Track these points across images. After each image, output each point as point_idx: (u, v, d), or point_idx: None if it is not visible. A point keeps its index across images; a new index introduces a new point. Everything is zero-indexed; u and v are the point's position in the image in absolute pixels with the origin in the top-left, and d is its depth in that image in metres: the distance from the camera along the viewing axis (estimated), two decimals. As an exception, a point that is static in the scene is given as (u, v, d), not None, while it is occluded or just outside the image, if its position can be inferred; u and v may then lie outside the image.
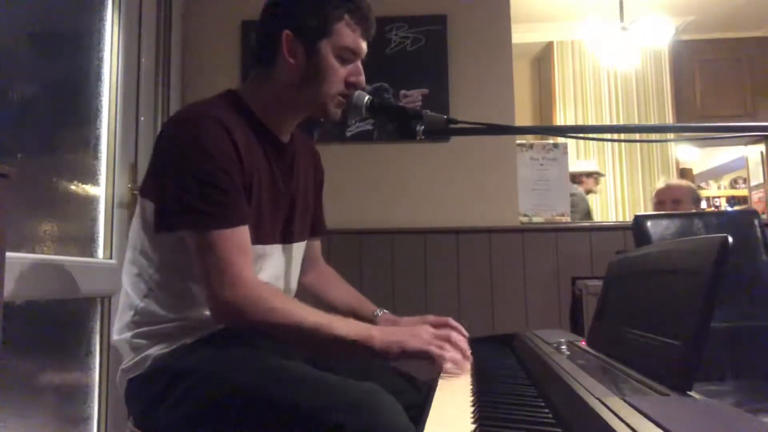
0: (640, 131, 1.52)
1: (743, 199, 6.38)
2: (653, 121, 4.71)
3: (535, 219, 2.55)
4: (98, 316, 1.76)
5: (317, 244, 1.37)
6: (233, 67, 2.43)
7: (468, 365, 0.99)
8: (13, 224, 1.38)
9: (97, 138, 1.83)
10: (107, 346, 1.75)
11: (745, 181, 5.70)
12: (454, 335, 1.01)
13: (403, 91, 2.41)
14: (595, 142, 4.71)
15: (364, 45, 1.12)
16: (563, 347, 1.00)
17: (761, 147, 5.04)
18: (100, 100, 1.84)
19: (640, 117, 4.70)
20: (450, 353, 0.97)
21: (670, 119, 4.68)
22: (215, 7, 2.47)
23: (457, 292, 2.31)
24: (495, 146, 2.40)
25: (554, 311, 2.30)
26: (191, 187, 0.98)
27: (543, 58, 5.09)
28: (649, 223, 1.78)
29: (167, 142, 1.05)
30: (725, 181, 7.14)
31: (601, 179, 4.37)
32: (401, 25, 2.44)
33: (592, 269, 2.30)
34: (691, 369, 0.61)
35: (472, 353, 1.04)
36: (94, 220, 1.80)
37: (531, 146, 2.62)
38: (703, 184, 6.83)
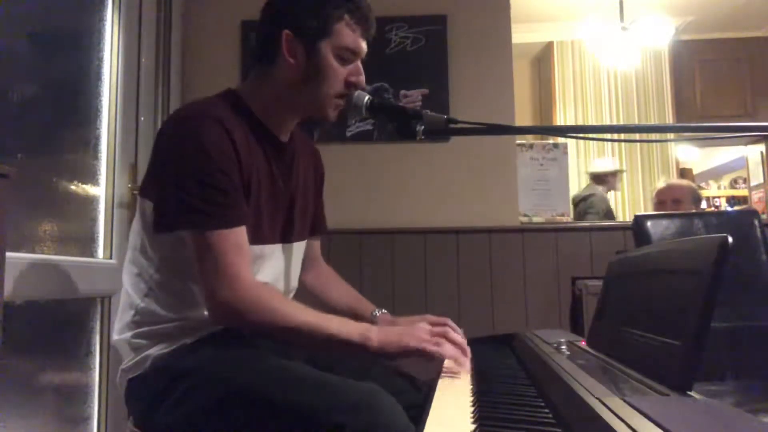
0: (640, 131, 1.52)
1: (743, 199, 6.38)
2: (653, 121, 4.71)
3: (535, 219, 2.55)
4: (98, 316, 1.76)
5: (317, 243, 1.37)
6: (233, 67, 2.43)
7: (467, 362, 0.99)
8: (13, 224, 1.38)
9: (97, 138, 1.83)
10: (107, 346, 1.75)
11: (745, 181, 5.70)
12: (452, 333, 1.01)
13: (403, 91, 2.41)
14: (595, 142, 4.71)
15: (364, 45, 1.12)
16: (563, 347, 1.00)
17: (761, 147, 5.04)
18: (100, 100, 1.84)
19: (640, 117, 4.70)
20: (448, 350, 0.97)
21: (670, 119, 4.67)
22: (215, 7, 2.47)
23: (457, 292, 2.31)
24: (495, 146, 2.40)
25: (554, 311, 2.30)
26: (190, 187, 0.98)
27: (543, 58, 5.09)
28: (649, 223, 1.78)
29: (167, 142, 1.05)
30: (725, 181, 7.14)
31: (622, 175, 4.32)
32: (401, 25, 2.44)
33: (592, 269, 2.30)
34: (691, 369, 0.61)
35: (471, 353, 1.04)
36: (94, 220, 1.80)
37: (531, 146, 2.62)
38: (703, 184, 6.83)
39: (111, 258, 1.81)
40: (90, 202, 1.79)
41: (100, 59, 1.84)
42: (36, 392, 1.56)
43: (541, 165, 2.59)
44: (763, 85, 4.69)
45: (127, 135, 1.91)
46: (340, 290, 1.36)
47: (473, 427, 0.64)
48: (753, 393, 0.99)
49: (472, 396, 0.80)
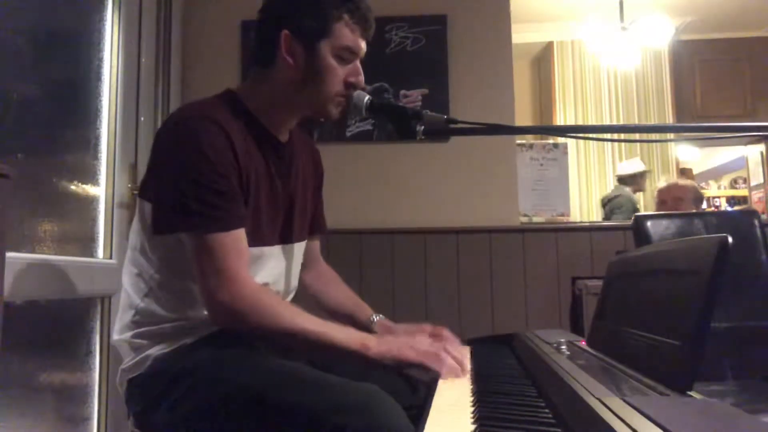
0: (640, 131, 1.53)
1: (743, 199, 6.38)
2: (653, 121, 4.70)
3: (535, 219, 2.55)
4: (98, 316, 1.76)
5: (317, 243, 1.37)
6: (233, 67, 2.43)
7: (466, 377, 0.99)
8: (13, 224, 1.38)
9: (97, 138, 1.82)
10: (107, 346, 1.75)
11: (745, 181, 5.70)
12: (450, 347, 1.01)
13: (403, 91, 2.41)
14: (595, 142, 4.71)
15: (363, 45, 1.12)
16: (563, 347, 1.00)
17: (761, 147, 5.04)
18: (100, 100, 1.84)
19: (640, 117, 4.70)
20: (446, 365, 0.96)
21: (670, 119, 4.67)
22: (215, 7, 2.47)
23: (457, 292, 2.31)
24: (495, 146, 2.40)
25: (554, 311, 2.30)
26: (188, 189, 0.98)
27: (543, 58, 5.09)
28: (649, 223, 1.78)
29: (165, 144, 1.05)
30: (725, 181, 7.14)
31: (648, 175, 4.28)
32: (401, 25, 2.44)
33: (592, 269, 2.30)
34: (691, 369, 0.61)
35: (471, 353, 1.04)
36: (94, 220, 1.79)
37: (531, 146, 2.62)
38: (703, 184, 6.83)
39: (111, 258, 1.81)
40: (90, 202, 1.79)
41: (100, 59, 1.84)
42: (36, 392, 1.56)
43: (541, 165, 2.59)
44: (763, 85, 4.69)
45: (127, 135, 1.91)
46: (339, 292, 1.35)
47: (473, 427, 0.64)
48: (753, 393, 0.99)
49: (472, 396, 0.80)
